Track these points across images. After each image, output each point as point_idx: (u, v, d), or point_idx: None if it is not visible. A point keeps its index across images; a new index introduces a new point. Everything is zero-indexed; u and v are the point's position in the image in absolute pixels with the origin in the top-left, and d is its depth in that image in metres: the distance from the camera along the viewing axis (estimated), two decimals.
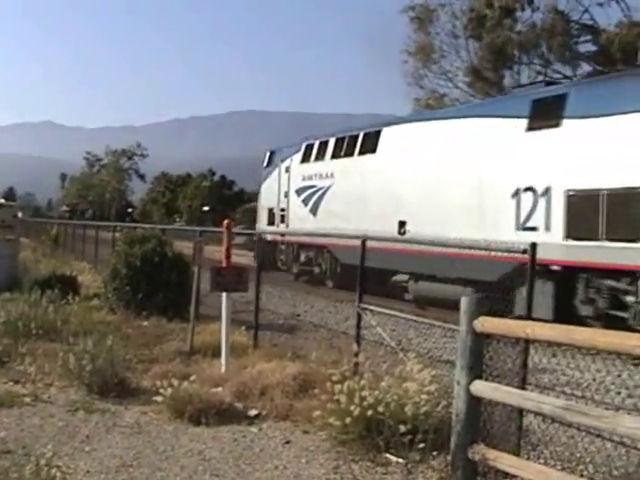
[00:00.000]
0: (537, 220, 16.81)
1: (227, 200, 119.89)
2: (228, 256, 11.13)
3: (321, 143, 27.83)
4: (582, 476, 6.24)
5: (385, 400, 7.46)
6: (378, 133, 24.04)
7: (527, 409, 6.15)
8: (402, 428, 7.16)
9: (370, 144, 24.13)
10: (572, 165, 16.13)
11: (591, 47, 44.08)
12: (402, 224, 21.29)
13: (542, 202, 16.73)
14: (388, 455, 7.27)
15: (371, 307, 10.20)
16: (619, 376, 11.66)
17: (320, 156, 27.45)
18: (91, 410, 8.96)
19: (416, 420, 7.25)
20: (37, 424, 8.37)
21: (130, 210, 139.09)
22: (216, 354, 11.04)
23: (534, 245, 7.29)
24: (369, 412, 7.36)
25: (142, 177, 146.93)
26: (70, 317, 13.78)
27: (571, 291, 15.91)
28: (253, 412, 8.88)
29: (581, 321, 14.81)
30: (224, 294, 10.87)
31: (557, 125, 16.63)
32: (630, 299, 14.77)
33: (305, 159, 28.59)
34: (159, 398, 8.76)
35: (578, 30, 44.23)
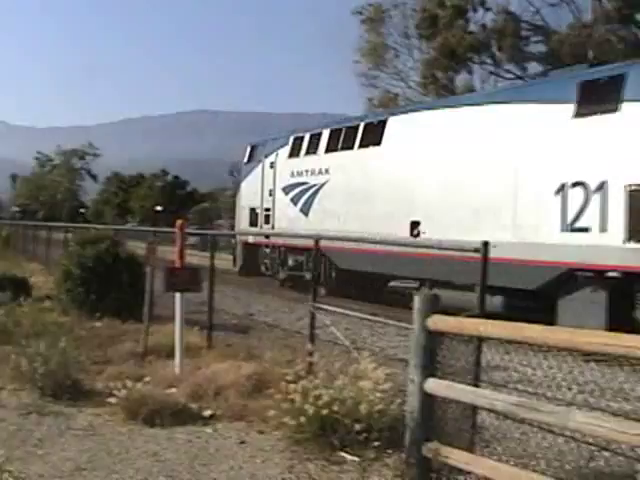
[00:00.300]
0: (589, 220, 14.67)
1: (180, 200, 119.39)
2: (181, 256, 11.09)
3: (312, 136, 25.35)
4: (534, 471, 6.31)
5: (340, 399, 7.47)
6: (383, 123, 21.58)
7: (480, 406, 6.21)
8: (357, 426, 7.20)
9: (373, 135, 21.71)
10: (635, 156, 14.09)
11: (542, 48, 44.62)
12: (415, 225, 19.06)
13: (595, 199, 14.60)
14: (343, 453, 7.29)
15: (324, 306, 10.22)
16: (570, 372, 11.79)
17: (312, 150, 24.96)
18: (44, 413, 8.86)
19: (371, 418, 7.28)
20: None
21: (82, 211, 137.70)
22: (170, 355, 10.98)
23: (486, 243, 7.27)
24: (324, 411, 7.36)
25: (94, 177, 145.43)
26: (22, 319, 13.61)
27: (631, 301, 13.92)
28: (208, 412, 8.85)
29: None
30: (177, 294, 10.83)
31: (614, 110, 14.51)
32: None
33: (293, 153, 26.12)
34: (113, 400, 8.70)
35: (529, 31, 44.72)
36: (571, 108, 15.31)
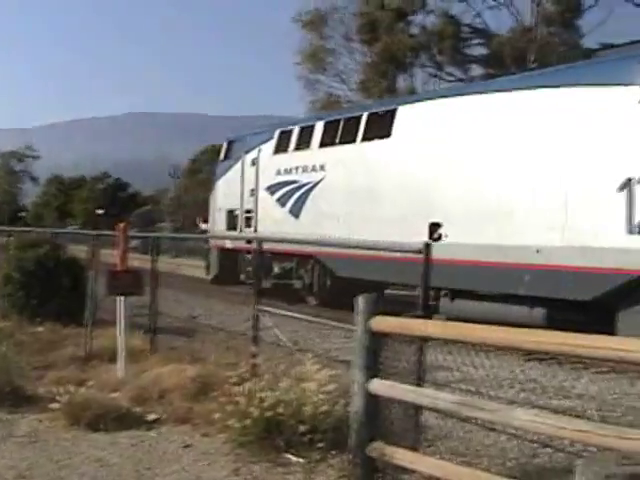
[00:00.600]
0: None
1: (122, 203, 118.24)
2: (124, 260, 11.01)
3: (303, 129, 22.49)
4: (478, 469, 6.40)
5: (284, 400, 7.48)
6: (392, 113, 18.78)
7: (423, 405, 6.27)
8: (302, 428, 7.20)
9: (380, 127, 19.02)
10: None
11: (483, 50, 45.17)
12: (435, 227, 16.42)
13: None
14: (288, 455, 7.30)
15: (268, 308, 10.23)
16: (512, 371, 11.96)
17: (303, 144, 22.13)
18: None
19: (315, 419, 7.29)
20: None
21: (22, 214, 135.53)
22: (113, 359, 10.88)
23: (428, 245, 7.23)
24: (268, 413, 7.36)
25: (35, 180, 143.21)
26: None
27: None
28: (152, 416, 8.80)
29: None
30: (120, 298, 10.75)
31: None
32: None
33: (280, 149, 23.08)
34: (55, 405, 8.61)
35: (470, 34, 45.24)
36: (637, 91, 13.00)
